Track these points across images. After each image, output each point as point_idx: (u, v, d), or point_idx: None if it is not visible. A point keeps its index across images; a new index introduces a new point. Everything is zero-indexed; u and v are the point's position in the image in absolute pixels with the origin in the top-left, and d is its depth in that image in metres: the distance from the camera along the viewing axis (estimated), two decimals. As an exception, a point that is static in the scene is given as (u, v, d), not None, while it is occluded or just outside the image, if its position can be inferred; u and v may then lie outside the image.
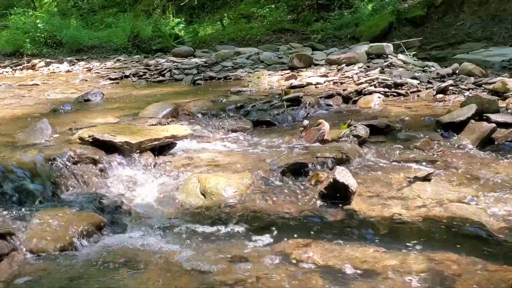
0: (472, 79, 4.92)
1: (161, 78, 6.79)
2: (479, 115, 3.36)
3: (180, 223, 2.18)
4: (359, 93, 4.63)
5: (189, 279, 1.70)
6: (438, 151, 3.02)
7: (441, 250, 1.86)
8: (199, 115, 4.00)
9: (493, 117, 3.32)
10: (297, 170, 2.65)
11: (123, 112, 4.10)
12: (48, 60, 9.49)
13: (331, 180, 2.36)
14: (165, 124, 3.54)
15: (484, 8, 9.63)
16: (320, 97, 4.52)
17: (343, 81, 5.19)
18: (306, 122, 3.42)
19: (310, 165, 2.68)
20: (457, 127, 3.29)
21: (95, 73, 7.78)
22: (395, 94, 4.67)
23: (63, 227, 1.98)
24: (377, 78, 4.94)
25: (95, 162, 2.66)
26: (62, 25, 12.18)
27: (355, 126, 3.27)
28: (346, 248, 1.91)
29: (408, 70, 5.56)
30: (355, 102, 4.52)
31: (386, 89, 4.71)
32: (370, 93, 4.57)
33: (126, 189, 2.55)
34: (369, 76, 5.10)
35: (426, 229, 2.07)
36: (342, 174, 2.36)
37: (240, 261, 1.83)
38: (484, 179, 2.57)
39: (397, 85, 4.81)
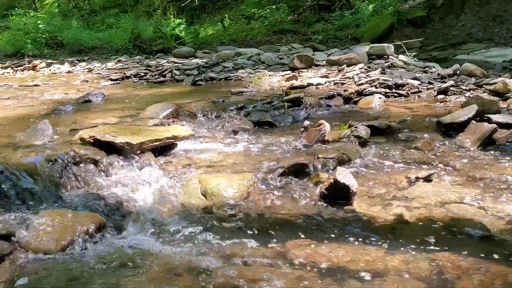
0: (473, 79, 4.93)
1: (162, 79, 6.80)
2: (480, 116, 3.36)
3: (181, 224, 2.18)
4: (360, 93, 4.64)
5: (189, 280, 1.70)
6: (439, 152, 3.02)
7: (442, 250, 1.86)
8: (200, 116, 4.00)
9: (494, 117, 3.32)
10: (298, 171, 2.65)
11: (124, 112, 4.11)
12: (49, 61, 9.51)
13: (332, 180, 2.36)
14: (166, 125, 3.54)
15: (485, 9, 9.63)
16: (321, 98, 4.53)
17: (344, 81, 5.20)
18: (306, 122, 3.41)
19: (311, 166, 2.68)
20: (458, 127, 3.29)
21: (96, 74, 7.79)
22: (396, 94, 4.67)
23: (64, 227, 1.98)
24: (378, 79, 4.94)
25: (96, 162, 2.66)
26: (63, 26, 12.22)
27: (356, 127, 3.27)
28: (347, 249, 1.91)
29: (409, 70, 5.57)
30: (356, 102, 4.52)
31: (387, 90, 4.72)
32: (371, 93, 4.58)
33: (127, 189, 2.55)
34: (370, 77, 5.11)
35: (427, 230, 2.07)
36: (343, 175, 2.36)
37: (241, 262, 1.83)
38: (485, 180, 2.57)
39: (398, 86, 4.81)
